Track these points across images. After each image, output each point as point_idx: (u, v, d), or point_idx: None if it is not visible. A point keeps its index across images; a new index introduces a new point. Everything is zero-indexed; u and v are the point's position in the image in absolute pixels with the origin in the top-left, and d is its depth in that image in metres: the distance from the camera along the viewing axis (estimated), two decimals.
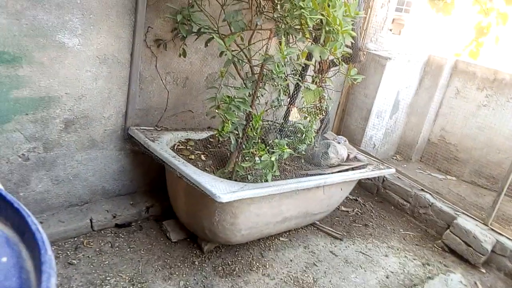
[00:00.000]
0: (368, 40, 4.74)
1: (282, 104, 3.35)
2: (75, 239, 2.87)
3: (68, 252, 2.74)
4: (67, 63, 2.64)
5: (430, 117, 5.21)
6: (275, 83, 2.77)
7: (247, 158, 2.90)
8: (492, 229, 3.75)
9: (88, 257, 2.74)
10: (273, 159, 2.73)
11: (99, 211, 3.07)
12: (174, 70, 3.23)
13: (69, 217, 2.92)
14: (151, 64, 3.08)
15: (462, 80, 5.01)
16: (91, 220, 2.97)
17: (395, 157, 5.46)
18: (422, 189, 4.35)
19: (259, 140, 2.99)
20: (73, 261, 2.67)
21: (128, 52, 2.90)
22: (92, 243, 2.87)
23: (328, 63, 3.30)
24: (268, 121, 3.65)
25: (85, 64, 2.73)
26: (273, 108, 3.27)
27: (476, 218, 3.88)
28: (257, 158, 2.85)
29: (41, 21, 2.44)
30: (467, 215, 3.92)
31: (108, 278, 2.59)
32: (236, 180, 2.79)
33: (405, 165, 5.16)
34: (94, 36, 2.69)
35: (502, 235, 3.68)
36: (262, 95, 3.31)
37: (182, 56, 3.14)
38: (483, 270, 3.60)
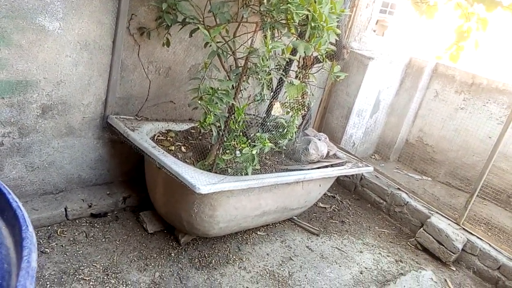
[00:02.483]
0: (352, 39, 4.78)
1: (265, 98, 3.34)
2: (49, 227, 2.81)
3: (41, 241, 2.68)
4: (47, 47, 2.57)
5: (409, 118, 5.31)
6: (259, 77, 2.76)
7: (228, 151, 2.89)
8: (464, 229, 3.86)
9: (62, 246, 2.68)
10: (254, 152, 2.73)
11: (74, 200, 3.01)
12: (157, 59, 3.19)
13: (43, 205, 2.86)
14: (134, 52, 3.03)
15: (442, 83, 5.12)
16: (65, 209, 2.91)
17: (373, 156, 5.54)
18: (398, 188, 4.44)
19: (241, 133, 2.99)
20: (46, 249, 2.61)
21: (110, 39, 2.84)
22: (66, 232, 2.82)
23: (312, 59, 3.31)
24: (250, 114, 3.65)
25: (65, 49, 2.66)
26: (256, 102, 3.26)
27: (449, 218, 3.98)
28: (238, 151, 2.84)
29: (21, 3, 2.36)
30: (441, 215, 4.02)
31: (82, 267, 2.55)
32: (216, 173, 2.78)
33: (383, 164, 5.24)
34: (75, 21, 2.63)
35: (473, 234, 3.79)
36: (246, 89, 3.30)
37: (165, 46, 3.10)
38: (453, 268, 3.70)
